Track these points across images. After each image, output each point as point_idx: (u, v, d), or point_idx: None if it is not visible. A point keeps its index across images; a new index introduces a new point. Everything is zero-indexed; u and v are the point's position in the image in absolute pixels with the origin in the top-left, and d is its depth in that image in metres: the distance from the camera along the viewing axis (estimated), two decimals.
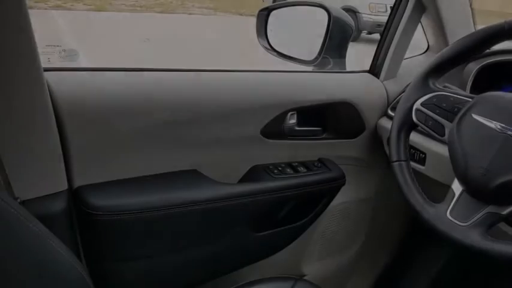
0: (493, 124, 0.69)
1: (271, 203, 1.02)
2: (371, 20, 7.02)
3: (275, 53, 1.26)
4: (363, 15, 7.40)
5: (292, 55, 1.23)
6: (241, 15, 9.41)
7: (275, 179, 1.02)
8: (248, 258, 1.11)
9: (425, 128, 0.80)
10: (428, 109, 0.80)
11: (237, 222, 1.01)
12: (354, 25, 1.20)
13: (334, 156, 1.17)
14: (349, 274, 1.42)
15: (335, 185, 1.13)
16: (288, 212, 1.11)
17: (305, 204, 1.12)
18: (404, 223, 1.45)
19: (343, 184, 1.14)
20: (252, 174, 1.03)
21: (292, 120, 1.07)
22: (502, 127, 0.68)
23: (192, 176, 0.95)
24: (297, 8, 1.31)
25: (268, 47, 1.26)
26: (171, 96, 0.90)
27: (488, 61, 0.99)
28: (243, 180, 1.04)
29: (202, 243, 0.99)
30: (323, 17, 1.15)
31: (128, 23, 7.41)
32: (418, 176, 1.04)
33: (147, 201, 0.86)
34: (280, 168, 1.05)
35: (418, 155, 1.07)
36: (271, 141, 1.03)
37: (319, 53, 1.15)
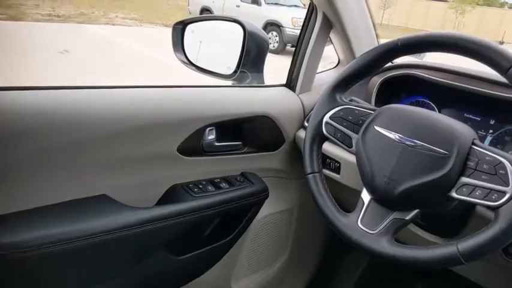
0: (392, 135, 0.73)
1: (192, 224, 0.98)
2: (294, 33, 7.35)
3: (193, 67, 1.24)
4: (287, 29, 7.73)
5: (210, 69, 1.22)
6: (167, 26, 9.27)
7: (196, 198, 0.98)
8: (173, 283, 1.07)
9: (335, 140, 0.83)
10: (336, 122, 0.83)
11: (155, 247, 0.95)
12: (268, 40, 1.23)
13: (256, 169, 1.18)
14: (279, 284, 1.43)
15: (259, 198, 1.13)
16: (212, 230, 1.09)
17: (230, 221, 1.11)
18: (328, 230, 1.50)
19: (267, 197, 1.15)
20: (171, 195, 0.98)
21: (211, 136, 1.06)
22: (400, 137, 0.72)
23: (101, 202, 0.86)
24: (215, 22, 1.31)
25: (186, 61, 1.24)
26: (75, 115, 0.80)
27: (390, 74, 1.06)
28: (161, 201, 0.98)
29: (121, 273, 0.92)
30: (240, 32, 1.16)
31: (45, 34, 6.94)
32: (336, 184, 1.09)
33: (48, 235, 0.75)
34: (200, 187, 1.02)
35: (333, 164, 1.11)
36: (189, 158, 1.00)
37: (237, 68, 1.16)
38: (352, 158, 0.81)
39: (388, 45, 0.79)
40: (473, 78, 0.95)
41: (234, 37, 1.14)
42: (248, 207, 1.12)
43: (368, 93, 1.10)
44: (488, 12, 25.79)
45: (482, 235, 0.62)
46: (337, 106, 0.84)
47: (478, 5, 24.55)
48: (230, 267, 1.23)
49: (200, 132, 1.00)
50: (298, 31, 1.23)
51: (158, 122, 0.91)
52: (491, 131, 0.96)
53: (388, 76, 1.06)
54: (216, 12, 8.87)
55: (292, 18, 7.75)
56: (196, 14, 9.14)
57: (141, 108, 0.89)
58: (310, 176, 0.84)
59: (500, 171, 0.63)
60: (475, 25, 24.21)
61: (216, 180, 1.07)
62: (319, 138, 0.85)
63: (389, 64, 1.07)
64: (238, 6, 8.85)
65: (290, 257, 1.41)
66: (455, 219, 0.88)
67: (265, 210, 1.21)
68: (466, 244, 0.63)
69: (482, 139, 0.97)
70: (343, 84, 0.85)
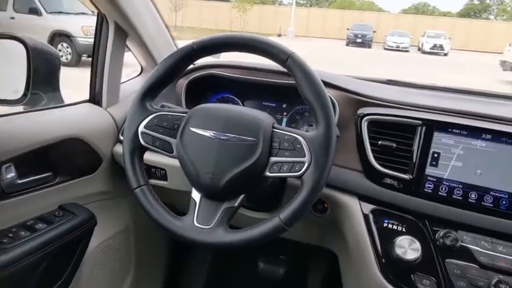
0: (207, 133, 0.78)
1: (11, 280, 0.84)
2: (88, 42, 6.82)
3: None
4: (78, 39, 7.11)
5: None
6: None
7: (7, 250, 0.84)
8: None
9: (155, 148, 0.83)
10: (152, 130, 0.83)
11: None
12: (58, 54, 1.11)
13: (76, 198, 1.07)
14: None
15: (86, 228, 1.03)
16: (39, 280, 0.94)
17: (58, 263, 0.98)
18: (170, 239, 1.50)
19: (95, 224, 1.06)
20: None
21: (10, 174, 0.90)
22: (215, 134, 0.78)
23: None
24: None
25: None
26: None
27: (194, 76, 1.12)
28: None
29: None
30: (22, 49, 1.02)
31: None
32: (166, 191, 1.09)
33: None
34: (11, 235, 0.87)
35: (159, 172, 1.11)
36: None
37: (26, 90, 1.01)
38: (175, 163, 0.82)
39: (185, 49, 0.83)
40: (264, 71, 1.09)
41: (17, 56, 0.99)
42: (76, 241, 1.02)
43: (177, 97, 1.13)
44: (264, 9, 29.65)
45: (295, 202, 0.73)
46: (150, 114, 0.83)
47: (255, 3, 27.89)
48: None
49: None
50: (92, 39, 1.16)
51: None
52: (285, 113, 1.13)
53: (192, 78, 1.11)
54: None
55: (82, 27, 7.17)
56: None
57: None
58: (138, 190, 0.81)
59: (297, 146, 0.74)
60: (257, 21, 27.51)
61: (29, 223, 0.93)
62: (138, 150, 0.83)
63: (191, 66, 1.12)
64: (13, 18, 7.63)
65: (136, 278, 1.35)
66: (275, 195, 1.00)
67: (97, 239, 1.12)
68: (285, 213, 0.73)
69: (280, 122, 1.12)
70: (151, 92, 0.85)
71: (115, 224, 1.23)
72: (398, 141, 0.90)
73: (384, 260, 0.86)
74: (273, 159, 0.76)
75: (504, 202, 0.82)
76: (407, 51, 19.92)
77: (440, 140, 0.87)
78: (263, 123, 0.77)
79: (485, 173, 0.84)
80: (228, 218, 0.78)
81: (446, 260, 0.82)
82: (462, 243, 0.82)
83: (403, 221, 0.88)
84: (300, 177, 0.73)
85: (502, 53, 10.81)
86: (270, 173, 0.76)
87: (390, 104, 0.95)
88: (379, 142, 0.91)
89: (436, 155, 0.87)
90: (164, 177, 1.10)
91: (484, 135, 0.85)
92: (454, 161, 0.86)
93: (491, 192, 0.83)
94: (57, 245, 0.94)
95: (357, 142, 0.95)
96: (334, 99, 0.97)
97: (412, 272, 0.84)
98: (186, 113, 0.83)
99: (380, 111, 0.94)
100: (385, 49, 20.13)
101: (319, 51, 15.52)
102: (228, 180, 0.75)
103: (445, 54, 19.30)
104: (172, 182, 1.09)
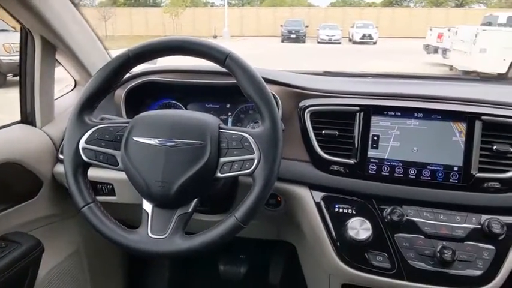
0: (152, 141, 0.76)
1: None
2: (13, 61, 6.34)
3: None
4: (1, 57, 6.60)
5: None
6: None
7: None
8: None
9: (99, 163, 0.79)
10: (94, 145, 0.80)
11: None
12: None
13: (19, 225, 1.00)
14: None
15: (33, 256, 0.97)
16: None
17: None
18: (125, 254, 1.45)
19: (43, 251, 1.00)
20: None
21: None
22: (160, 141, 0.76)
23: None
24: None
25: None
26: None
27: (132, 84, 1.08)
28: None
29: None
30: None
31: None
32: (116, 206, 1.05)
33: None
34: None
35: (105, 188, 1.07)
36: None
37: None
38: (122, 176, 0.79)
39: (120, 58, 0.80)
40: (203, 73, 1.09)
41: None
42: (23, 272, 0.95)
43: (117, 108, 1.09)
44: (196, 11, 29.41)
45: (249, 199, 0.74)
46: (90, 128, 0.80)
47: (187, 6, 27.57)
48: None
49: None
50: (16, 57, 1.09)
51: None
52: (230, 113, 1.14)
53: (130, 87, 1.08)
54: None
55: (4, 45, 6.67)
56: None
57: None
58: (85, 208, 0.78)
59: (246, 144, 0.75)
60: (191, 24, 27.23)
61: None
62: (81, 167, 0.80)
63: (128, 75, 1.09)
64: None
65: None
66: (228, 195, 1.01)
67: (46, 267, 1.06)
68: (240, 211, 0.74)
69: (225, 122, 1.13)
70: (88, 104, 0.81)
71: (64, 247, 1.17)
72: (340, 128, 0.94)
73: (338, 243, 0.90)
74: (222, 159, 0.76)
75: (440, 174, 0.89)
76: (340, 43, 20.75)
77: (378, 124, 0.92)
78: (209, 125, 0.77)
79: (421, 150, 0.90)
80: (184, 224, 0.77)
81: (395, 235, 0.88)
82: (408, 217, 0.88)
83: (352, 203, 0.92)
84: (251, 174, 0.74)
85: (424, 38, 11.62)
86: (221, 173, 0.76)
87: (329, 94, 1.00)
88: (323, 131, 0.95)
89: (375, 138, 0.92)
90: (112, 193, 1.06)
91: (416, 114, 0.91)
92: (392, 142, 0.92)
93: (428, 167, 0.89)
94: (3, 279, 0.88)
95: (302, 134, 0.98)
96: (276, 95, 0.99)
97: (365, 250, 0.88)
98: (127, 123, 0.80)
99: (320, 101, 0.98)
100: (319, 43, 20.79)
101: (256, 50, 15.72)
102: (179, 187, 0.74)
103: (374, 43, 20.36)
104: (120, 196, 1.06)
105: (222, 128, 0.78)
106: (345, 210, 0.92)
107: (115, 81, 0.82)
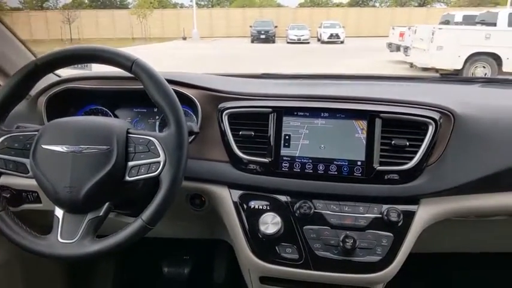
0: (59, 148, 0.78)
1: None
2: None
3: None
4: None
5: None
6: None
7: None
8: None
9: (8, 171, 0.81)
10: (3, 154, 0.81)
11: None
12: None
13: None
14: None
15: None
16: None
17: None
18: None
19: None
20: None
21: None
22: (67, 148, 0.78)
23: None
24: None
25: None
26: None
27: (53, 92, 1.08)
28: None
29: None
30: None
31: None
32: (44, 213, 1.05)
33: None
34: None
35: (31, 196, 1.07)
36: None
37: None
38: (35, 183, 0.81)
39: (27, 67, 0.82)
40: (122, 79, 1.09)
41: None
42: None
43: (39, 115, 1.09)
44: (165, 12, 29.11)
45: (155, 201, 0.77)
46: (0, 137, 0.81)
47: (155, 7, 27.23)
48: None
49: None
50: None
51: None
52: (157, 117, 1.16)
53: (51, 94, 1.08)
54: None
55: None
56: None
57: None
58: None
59: (152, 147, 0.79)
60: (160, 25, 26.91)
61: None
62: None
63: (50, 82, 1.10)
64: None
65: None
66: (142, 197, 1.03)
67: None
68: (147, 213, 0.77)
69: (153, 126, 1.15)
70: None
71: None
72: (256, 129, 0.99)
73: (252, 239, 0.95)
74: (130, 163, 0.79)
75: (345, 169, 0.95)
76: (308, 42, 21.05)
77: (289, 123, 0.98)
78: (115, 130, 0.80)
79: (327, 147, 0.96)
80: (94, 228, 0.79)
81: (304, 227, 0.93)
82: (316, 210, 0.94)
83: (267, 200, 0.97)
84: (157, 176, 0.78)
85: (388, 37, 11.95)
86: (130, 177, 0.79)
87: (245, 97, 1.04)
88: (240, 132, 0.99)
89: (287, 137, 0.97)
90: (37, 200, 1.07)
91: (322, 114, 0.97)
92: (302, 140, 0.97)
93: (334, 162, 0.95)
94: None
95: (221, 135, 1.02)
96: (194, 98, 1.03)
97: (276, 244, 0.93)
98: (37, 131, 0.82)
99: (237, 104, 1.02)
100: (288, 43, 21.03)
101: (226, 50, 15.73)
102: (87, 191, 0.77)
103: (342, 42, 20.79)
104: (47, 203, 1.06)
105: (130, 133, 0.81)
106: (259, 207, 0.96)
107: (24, 90, 0.84)
